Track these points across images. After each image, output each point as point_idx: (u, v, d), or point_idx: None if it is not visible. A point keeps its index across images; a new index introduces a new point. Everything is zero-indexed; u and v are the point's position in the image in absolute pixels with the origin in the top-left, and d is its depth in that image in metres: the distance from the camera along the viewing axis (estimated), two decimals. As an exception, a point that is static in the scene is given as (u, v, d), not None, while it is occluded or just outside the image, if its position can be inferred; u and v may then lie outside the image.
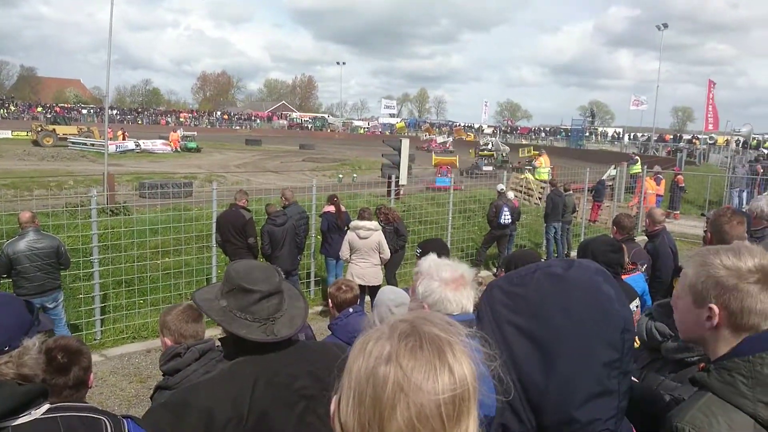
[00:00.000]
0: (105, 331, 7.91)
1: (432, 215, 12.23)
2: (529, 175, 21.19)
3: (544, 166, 23.64)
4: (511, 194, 12.77)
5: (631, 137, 63.55)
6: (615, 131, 73.33)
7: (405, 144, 15.93)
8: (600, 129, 76.24)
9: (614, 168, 21.68)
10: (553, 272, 1.23)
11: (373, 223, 8.36)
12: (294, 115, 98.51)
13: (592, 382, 1.14)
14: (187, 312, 2.94)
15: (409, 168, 16.44)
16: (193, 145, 41.40)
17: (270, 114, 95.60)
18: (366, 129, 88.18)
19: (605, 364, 1.15)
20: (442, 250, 2.71)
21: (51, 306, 6.85)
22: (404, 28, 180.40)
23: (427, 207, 12.81)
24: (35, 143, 39.21)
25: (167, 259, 9.03)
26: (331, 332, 3.61)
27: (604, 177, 19.97)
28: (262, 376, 1.86)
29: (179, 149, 40.22)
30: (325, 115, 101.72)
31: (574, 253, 13.36)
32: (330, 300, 3.82)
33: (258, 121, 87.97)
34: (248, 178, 24.20)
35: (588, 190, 16.16)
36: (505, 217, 11.47)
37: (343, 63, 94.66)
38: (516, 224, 12.34)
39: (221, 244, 8.53)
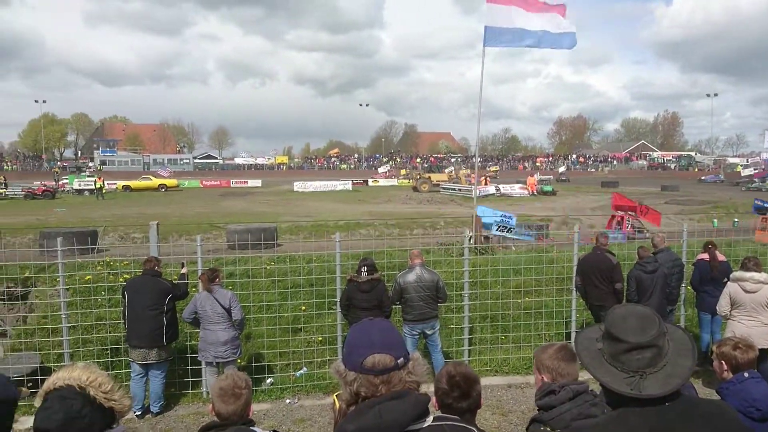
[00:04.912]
0: (471, 361, 8.55)
1: None
2: None
3: None
4: None
5: None
6: None
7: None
8: None
9: None
10: None
11: (763, 275, 7.16)
12: (655, 154, 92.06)
13: None
14: (562, 351, 2.99)
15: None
16: (548, 188, 42.47)
17: (628, 154, 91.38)
18: (743, 166, 76.62)
19: None
20: None
21: (429, 333, 7.77)
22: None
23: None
24: (415, 189, 45.82)
25: (527, 298, 9.35)
26: (720, 396, 3.21)
27: None
28: (655, 431, 1.77)
29: (535, 193, 41.64)
30: (692, 153, 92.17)
31: None
32: (722, 360, 3.40)
33: (615, 162, 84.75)
34: (603, 221, 23.37)
35: None
36: None
37: (715, 94, 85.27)
38: None
39: (581, 287, 8.42)
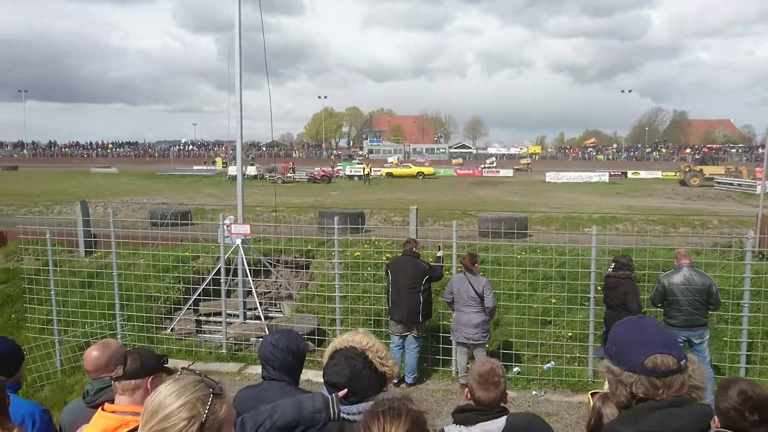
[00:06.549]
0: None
1: None
2: None
3: None
4: None
5: None
6: None
7: None
8: None
9: None
10: None
11: None
12: None
13: None
14: None
15: None
16: None
17: None
18: None
19: None
20: None
21: (696, 342, 7.00)
22: None
23: None
24: (682, 183, 41.12)
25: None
26: None
27: None
28: None
29: None
30: None
31: None
32: None
33: None
34: None
35: None
36: None
37: None
38: None
39: None
